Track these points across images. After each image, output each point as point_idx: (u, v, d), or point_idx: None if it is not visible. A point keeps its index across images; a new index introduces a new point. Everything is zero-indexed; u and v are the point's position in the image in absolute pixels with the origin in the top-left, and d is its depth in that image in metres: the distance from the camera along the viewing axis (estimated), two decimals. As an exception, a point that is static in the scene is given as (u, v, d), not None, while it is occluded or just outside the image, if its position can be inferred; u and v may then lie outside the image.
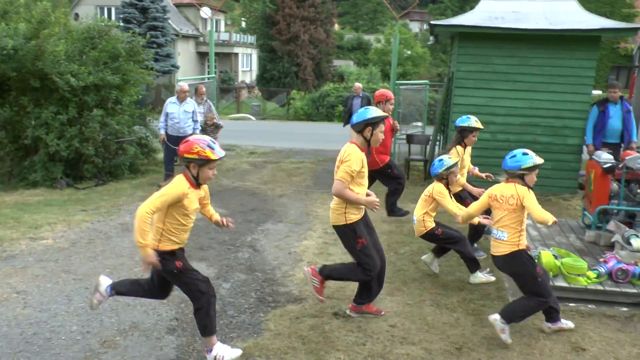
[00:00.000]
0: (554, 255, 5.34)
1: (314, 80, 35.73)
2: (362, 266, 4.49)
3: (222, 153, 3.75)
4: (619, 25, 9.21)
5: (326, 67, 37.88)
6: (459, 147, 6.02)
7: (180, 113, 9.26)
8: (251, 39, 43.43)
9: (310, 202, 8.60)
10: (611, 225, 5.94)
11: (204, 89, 10.56)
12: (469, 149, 6.25)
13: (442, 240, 5.43)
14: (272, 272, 5.70)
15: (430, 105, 17.21)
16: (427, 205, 5.41)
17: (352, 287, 5.22)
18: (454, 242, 5.38)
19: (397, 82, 12.04)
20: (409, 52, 42.54)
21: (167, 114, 9.29)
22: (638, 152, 6.82)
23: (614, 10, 29.16)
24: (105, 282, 4.10)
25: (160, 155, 10.93)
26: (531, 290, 4.25)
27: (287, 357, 4.01)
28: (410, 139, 10.92)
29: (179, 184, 3.70)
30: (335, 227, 4.73)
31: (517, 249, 4.25)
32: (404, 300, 5.02)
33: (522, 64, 9.02)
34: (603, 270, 5.10)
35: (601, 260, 5.40)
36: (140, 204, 3.56)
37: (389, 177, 7.38)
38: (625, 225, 5.88)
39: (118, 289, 4.07)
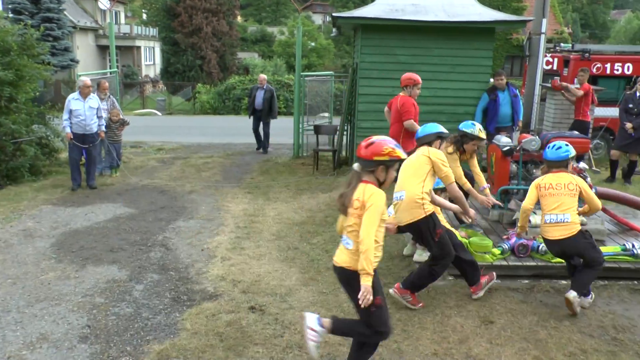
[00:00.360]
0: (462, 235, 5.63)
1: (219, 74, 35.19)
2: (440, 261, 4.58)
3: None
4: (511, 17, 9.76)
5: (231, 60, 37.39)
6: (454, 150, 5.89)
7: (86, 110, 8.81)
8: (153, 31, 42.05)
9: (221, 197, 8.54)
10: (512, 204, 6.34)
11: (106, 84, 10.15)
12: (474, 162, 6.09)
13: None
14: (185, 270, 5.64)
15: (337, 95, 17.46)
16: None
17: (267, 280, 5.28)
18: None
19: (302, 73, 12.12)
20: (313, 44, 42.79)
21: (70, 111, 8.79)
22: (532, 135, 7.30)
23: (506, 4, 30.77)
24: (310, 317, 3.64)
25: (64, 155, 10.45)
26: (594, 259, 4.65)
27: (205, 355, 4.01)
28: (317, 129, 11.07)
29: (379, 194, 3.38)
30: (412, 225, 4.57)
31: (580, 228, 4.63)
32: (319, 289, 5.13)
33: (424, 54, 9.34)
34: (506, 247, 5.45)
35: (504, 237, 5.78)
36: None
37: None
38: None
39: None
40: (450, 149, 5.81)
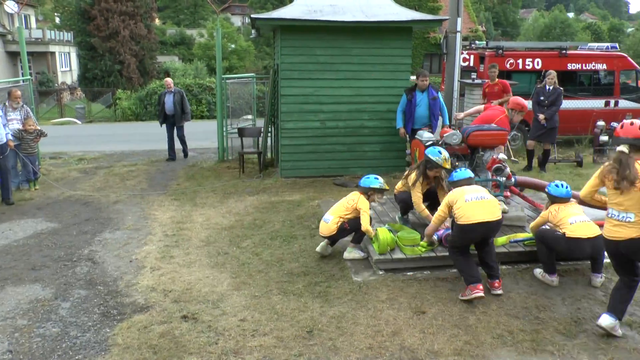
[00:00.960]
0: (389, 230, 5.76)
1: (139, 78, 34.34)
2: None
3: None
4: (427, 17, 10.03)
5: (150, 64, 36.56)
6: (419, 176, 6.02)
7: None
8: (68, 36, 40.48)
9: (147, 206, 8.33)
10: None
11: (19, 93, 9.58)
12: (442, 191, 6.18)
13: (349, 230, 5.84)
14: (114, 283, 5.47)
15: (259, 97, 17.40)
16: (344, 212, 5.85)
17: (199, 287, 5.21)
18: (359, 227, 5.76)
19: (223, 76, 12.00)
20: (233, 46, 42.52)
21: None
22: (453, 129, 7.56)
23: (422, 4, 31.72)
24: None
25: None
26: None
27: (139, 369, 3.92)
28: (241, 132, 10.98)
29: None
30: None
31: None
32: (251, 292, 5.11)
33: (344, 54, 9.46)
34: (435, 238, 5.60)
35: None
36: None
37: None
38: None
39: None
40: (414, 175, 6.04)
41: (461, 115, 8.72)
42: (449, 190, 5.45)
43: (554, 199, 5.45)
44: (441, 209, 5.23)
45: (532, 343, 4.17)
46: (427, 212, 6.01)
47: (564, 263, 5.66)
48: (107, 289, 5.33)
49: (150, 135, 16.20)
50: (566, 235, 5.08)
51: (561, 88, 10.59)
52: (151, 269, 5.75)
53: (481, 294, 4.80)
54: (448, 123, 9.21)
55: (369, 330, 4.36)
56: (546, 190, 5.62)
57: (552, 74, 10.74)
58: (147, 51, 35.80)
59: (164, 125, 12.42)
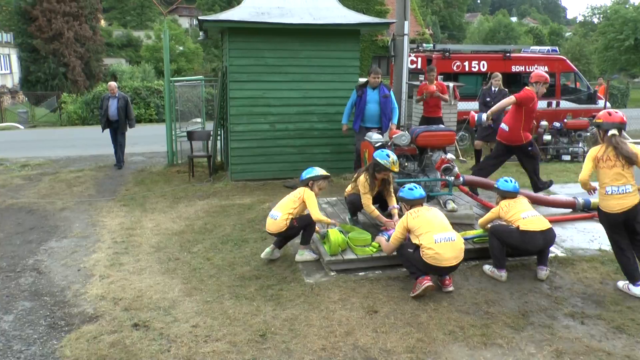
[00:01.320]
0: (340, 231, 5.79)
1: (85, 81, 33.44)
2: None
3: None
4: (374, 20, 10.14)
5: (97, 67, 35.65)
6: (368, 179, 6.07)
7: None
8: (7, 37, 39.04)
9: (95, 212, 8.12)
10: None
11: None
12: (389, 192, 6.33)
13: (297, 228, 5.82)
14: (61, 293, 5.30)
15: (208, 100, 17.25)
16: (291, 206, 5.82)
17: (150, 294, 5.12)
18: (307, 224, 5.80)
19: (171, 78, 11.82)
20: (181, 48, 41.97)
21: None
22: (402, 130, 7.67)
23: (369, 7, 32.02)
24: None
25: None
26: None
27: (87, 379, 3.81)
28: (191, 135, 10.84)
29: None
30: None
31: None
32: (203, 298, 5.05)
33: (292, 56, 9.47)
34: (385, 238, 5.66)
35: (382, 228, 6.03)
36: None
37: (527, 156, 7.78)
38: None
39: None
40: (363, 178, 6.09)
41: (486, 118, 7.90)
42: (395, 192, 5.59)
43: (504, 194, 5.65)
44: (399, 232, 5.17)
45: (482, 337, 4.27)
46: (377, 212, 6.08)
47: (512, 259, 5.82)
48: (53, 299, 5.17)
49: (98, 140, 15.79)
50: (520, 229, 5.28)
51: (506, 89, 10.89)
52: (100, 277, 5.61)
53: (430, 283, 4.90)
54: (396, 123, 9.11)
55: (322, 332, 4.37)
56: (495, 185, 5.79)
57: (498, 76, 11.05)
58: (92, 53, 34.91)
59: (105, 131, 11.91)
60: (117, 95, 11.73)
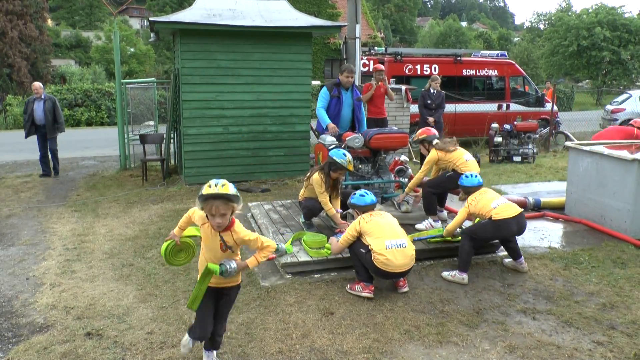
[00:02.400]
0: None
1: (32, 83, 32.41)
2: None
3: None
4: (326, 23, 10.19)
5: (44, 68, 34.54)
6: (324, 178, 6.04)
7: None
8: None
9: (45, 219, 7.88)
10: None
11: None
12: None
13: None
14: (8, 303, 5.11)
15: (161, 103, 17.01)
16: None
17: (103, 302, 5.00)
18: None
19: (123, 81, 11.59)
20: (132, 50, 41.22)
21: None
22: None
23: (321, 10, 32.23)
24: None
25: None
26: None
27: (37, 391, 3.69)
28: (143, 139, 10.65)
29: None
30: None
31: None
32: (158, 304, 4.96)
33: (245, 58, 9.42)
34: (336, 239, 5.67)
35: (337, 231, 6.05)
36: None
37: None
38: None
39: None
40: (318, 176, 6.07)
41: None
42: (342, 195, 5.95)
43: (468, 190, 5.72)
44: (350, 234, 5.16)
45: (438, 336, 4.33)
46: (334, 211, 6.09)
47: (464, 258, 5.95)
48: (0, 310, 4.99)
49: (45, 144, 15.39)
50: (492, 219, 5.37)
51: (444, 92, 11.16)
52: (51, 285, 5.44)
53: (371, 295, 4.98)
54: (365, 129, 8.12)
55: (279, 335, 4.36)
56: (459, 183, 5.85)
57: (437, 79, 11.34)
58: (39, 54, 33.81)
59: (29, 137, 11.08)
60: (42, 97, 10.89)
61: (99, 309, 4.87)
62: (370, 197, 5.32)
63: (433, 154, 6.38)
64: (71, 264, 6.01)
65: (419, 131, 6.66)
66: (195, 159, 9.49)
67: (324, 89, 8.06)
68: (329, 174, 6.06)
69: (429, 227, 6.39)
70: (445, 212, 6.98)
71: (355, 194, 5.39)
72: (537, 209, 7.91)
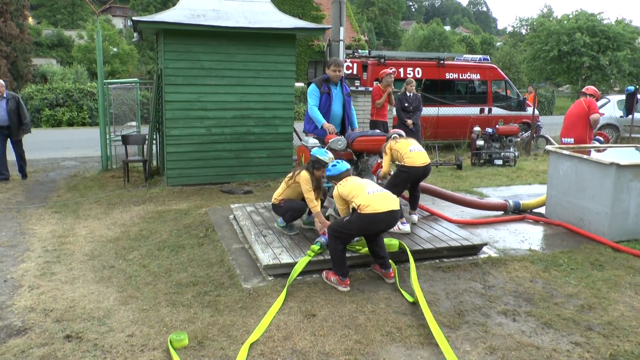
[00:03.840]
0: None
1: (12, 82, 31.99)
2: None
3: None
4: (310, 25, 10.22)
5: (25, 67, 34.20)
6: (310, 176, 6.03)
7: None
8: None
9: (24, 220, 7.79)
10: (325, 202, 6.66)
11: None
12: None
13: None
14: (-16, 305, 5.05)
15: (143, 103, 16.91)
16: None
17: (83, 304, 4.95)
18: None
19: (105, 81, 11.51)
20: (115, 49, 40.88)
21: None
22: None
23: (305, 12, 32.28)
24: None
25: None
26: None
27: (15, 394, 3.64)
28: (126, 139, 10.58)
29: None
30: None
31: None
32: (139, 306, 4.92)
33: (228, 59, 9.41)
34: (323, 241, 5.68)
35: (321, 232, 6.06)
36: None
37: None
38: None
39: None
40: (306, 174, 6.08)
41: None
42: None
43: (339, 177, 5.57)
44: (339, 202, 5.41)
45: (420, 337, 4.35)
46: (318, 208, 6.10)
47: (447, 260, 5.99)
48: (-24, 311, 4.92)
49: (27, 145, 15.20)
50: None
51: (420, 94, 11.25)
52: (29, 287, 5.37)
53: (347, 289, 5.19)
54: (356, 126, 7.82)
55: (260, 337, 4.35)
56: (327, 174, 5.78)
57: (412, 82, 11.52)
58: (20, 53, 33.46)
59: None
60: (5, 95, 10.31)
61: (78, 311, 4.83)
62: (343, 165, 5.60)
63: (387, 146, 6.63)
64: (51, 266, 5.95)
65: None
66: (178, 160, 9.45)
67: (313, 86, 7.48)
68: (313, 173, 6.06)
69: (397, 230, 6.41)
70: (416, 216, 6.97)
71: (328, 167, 5.70)
72: (517, 212, 8.00)
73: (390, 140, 6.64)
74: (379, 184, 6.51)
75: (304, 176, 6.03)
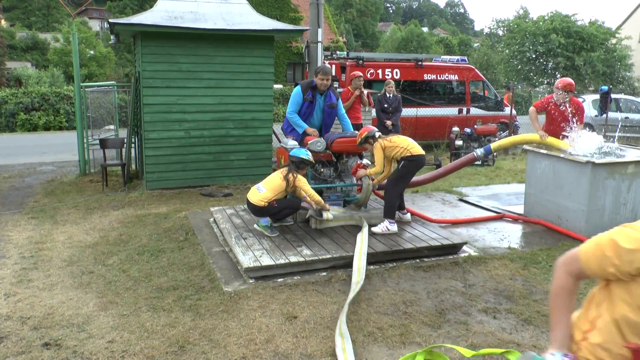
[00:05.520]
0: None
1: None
2: None
3: None
4: (288, 27, 10.20)
5: (-2, 70, 33.73)
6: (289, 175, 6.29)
7: None
8: None
9: (0, 227, 7.68)
10: (304, 203, 6.66)
11: None
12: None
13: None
14: (-41, 313, 4.95)
15: (121, 107, 16.75)
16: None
17: (62, 311, 4.89)
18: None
19: (82, 84, 11.37)
20: (92, 52, 40.47)
21: None
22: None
23: (283, 14, 32.28)
24: None
25: None
26: None
27: (-7, 403, 3.58)
28: (104, 143, 10.46)
29: None
30: None
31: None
32: (119, 312, 4.87)
33: (207, 62, 9.37)
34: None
35: (315, 207, 6.14)
36: None
37: None
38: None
39: None
40: (299, 176, 6.34)
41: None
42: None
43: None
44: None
45: (401, 337, 4.37)
46: (319, 197, 6.49)
47: (428, 259, 6.03)
48: (-49, 319, 4.82)
49: (1, 150, 14.99)
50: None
51: (400, 95, 11.32)
52: (5, 295, 5.28)
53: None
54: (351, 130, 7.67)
55: (242, 340, 4.33)
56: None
57: (391, 83, 11.55)
58: (-7, 56, 33.00)
59: None
60: None
61: (57, 318, 4.76)
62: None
63: (378, 145, 6.56)
64: (28, 273, 5.85)
65: (359, 132, 6.76)
66: (157, 164, 9.38)
67: (298, 89, 7.29)
68: (297, 172, 6.34)
69: (385, 230, 6.44)
70: (408, 214, 7.04)
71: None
72: (486, 154, 8.32)
73: (378, 139, 6.59)
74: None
75: (302, 179, 6.33)
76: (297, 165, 6.28)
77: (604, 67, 34.26)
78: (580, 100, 8.38)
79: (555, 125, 7.96)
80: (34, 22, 57.58)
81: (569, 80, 8.04)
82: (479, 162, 12.58)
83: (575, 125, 7.68)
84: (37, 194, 9.78)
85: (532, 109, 8.30)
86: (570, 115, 7.79)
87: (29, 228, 7.56)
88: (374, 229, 6.51)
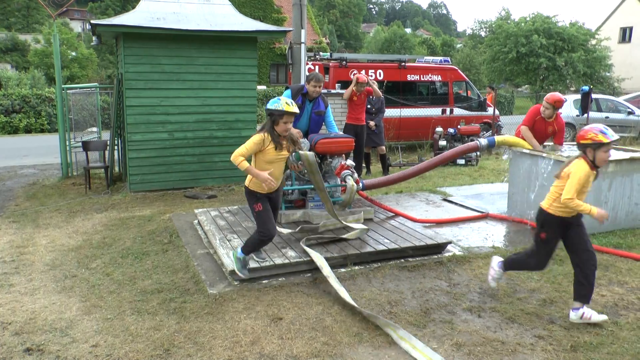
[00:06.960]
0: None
1: None
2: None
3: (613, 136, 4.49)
4: (271, 28, 10.19)
5: (-22, 73, 33.24)
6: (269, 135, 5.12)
7: None
8: None
9: (-21, 230, 7.56)
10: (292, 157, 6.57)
11: None
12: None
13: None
14: (-61, 318, 4.87)
15: (104, 108, 16.61)
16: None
17: (44, 315, 4.83)
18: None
19: (64, 86, 11.26)
20: (74, 54, 40.09)
21: None
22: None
23: (266, 15, 32.26)
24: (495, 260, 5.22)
25: None
26: None
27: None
28: (86, 146, 10.36)
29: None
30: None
31: None
32: (103, 315, 4.83)
33: (190, 63, 9.33)
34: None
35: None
36: None
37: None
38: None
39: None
40: (258, 137, 5.12)
41: None
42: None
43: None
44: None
45: (387, 337, 4.38)
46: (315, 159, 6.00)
47: (413, 259, 6.05)
48: None
49: (-20, 153, 14.80)
50: None
51: (383, 96, 11.36)
52: (-14, 299, 5.22)
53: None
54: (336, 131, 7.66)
55: (227, 342, 4.31)
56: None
57: (375, 84, 11.53)
58: (-29, 58, 32.51)
59: None
60: None
61: (39, 323, 4.70)
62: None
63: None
64: (9, 277, 5.78)
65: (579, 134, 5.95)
66: (140, 166, 9.32)
67: (288, 94, 7.20)
68: (274, 129, 5.13)
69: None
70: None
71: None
72: (490, 146, 8.01)
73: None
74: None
75: (307, 155, 5.82)
76: (272, 120, 5.09)
77: (584, 67, 34.65)
78: (564, 121, 8.25)
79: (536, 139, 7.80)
80: (13, 23, 56.91)
81: (559, 96, 7.80)
82: (462, 162, 12.66)
83: (551, 145, 7.75)
84: (18, 197, 9.66)
85: (524, 128, 7.72)
86: (550, 132, 7.77)
87: (10, 232, 7.47)
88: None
